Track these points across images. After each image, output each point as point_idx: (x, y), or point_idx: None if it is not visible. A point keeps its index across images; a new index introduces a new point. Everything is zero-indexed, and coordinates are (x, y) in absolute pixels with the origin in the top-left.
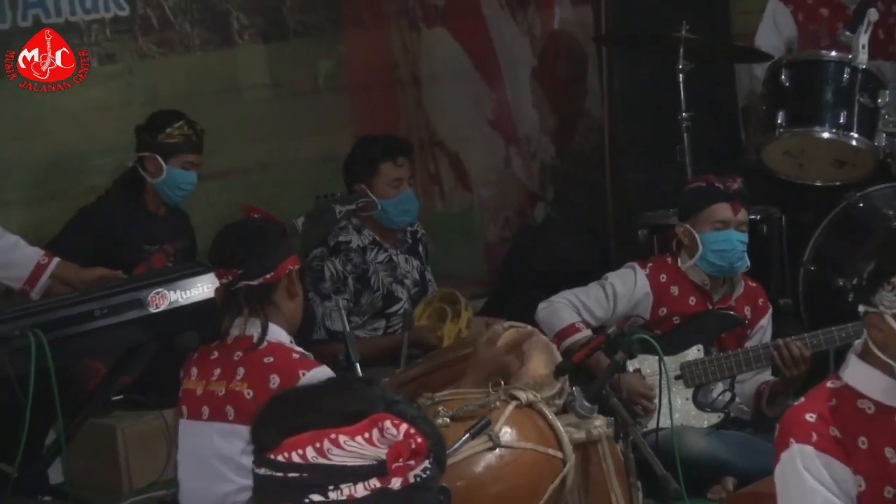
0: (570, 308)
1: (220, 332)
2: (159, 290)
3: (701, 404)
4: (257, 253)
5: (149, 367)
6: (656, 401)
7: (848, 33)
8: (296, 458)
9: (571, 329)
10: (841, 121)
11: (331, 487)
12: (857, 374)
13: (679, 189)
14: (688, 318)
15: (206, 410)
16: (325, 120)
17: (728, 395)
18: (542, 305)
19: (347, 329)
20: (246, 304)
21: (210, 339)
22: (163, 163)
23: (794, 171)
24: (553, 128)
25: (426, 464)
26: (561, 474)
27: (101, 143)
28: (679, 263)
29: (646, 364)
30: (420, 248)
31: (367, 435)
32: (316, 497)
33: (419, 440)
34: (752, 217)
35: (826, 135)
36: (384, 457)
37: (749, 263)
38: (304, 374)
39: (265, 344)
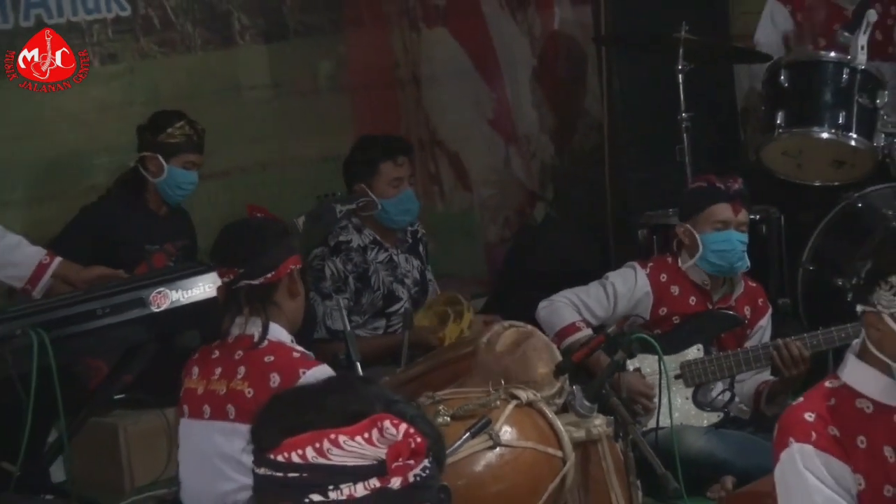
0: (570, 307)
1: (222, 331)
2: (161, 289)
3: (701, 403)
4: (258, 252)
5: (150, 366)
6: (656, 400)
7: (847, 34)
8: (295, 459)
9: (572, 328)
10: (840, 121)
11: (331, 487)
12: (856, 374)
13: (679, 189)
14: (688, 318)
15: (207, 409)
16: (326, 120)
17: (727, 395)
18: (542, 304)
19: (348, 328)
20: (247, 303)
21: (211, 338)
22: (164, 162)
23: (793, 172)
24: (553, 127)
25: (426, 463)
26: (561, 473)
27: (102, 142)
28: (679, 263)
29: (646, 363)
30: (420, 248)
31: (366, 435)
32: (316, 497)
33: (418, 440)
34: (752, 217)
35: (825, 135)
36: (384, 456)
37: (749, 264)
38: (304, 372)
39: (266, 343)
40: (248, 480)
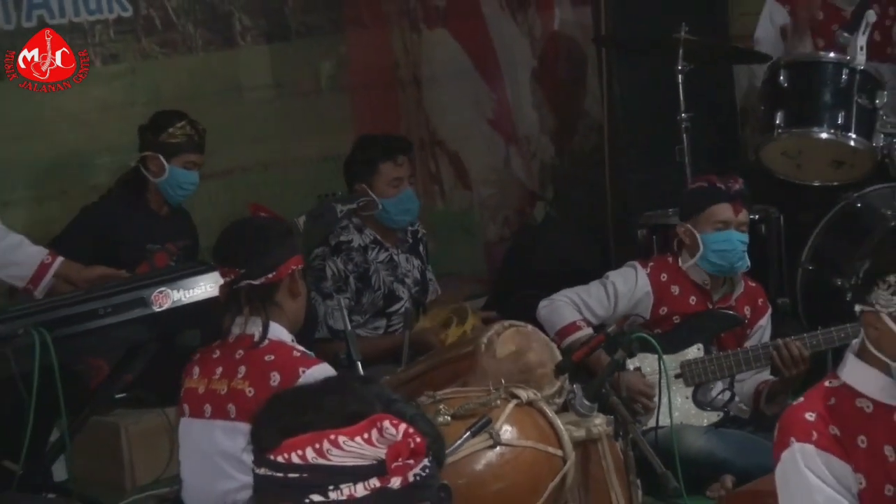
0: (571, 306)
1: (223, 330)
2: (162, 288)
3: (700, 403)
4: (260, 252)
5: (151, 366)
6: (656, 399)
7: (846, 35)
8: (295, 459)
9: (572, 327)
10: (839, 121)
11: (331, 487)
12: (855, 373)
13: (678, 189)
14: (688, 318)
15: (208, 408)
16: (327, 120)
17: (727, 394)
18: (543, 303)
19: (349, 328)
20: (247, 302)
21: (213, 337)
22: (165, 162)
23: (793, 172)
24: (553, 128)
25: (425, 462)
26: (561, 472)
27: (104, 142)
28: (680, 263)
29: (646, 363)
30: (420, 248)
31: (366, 435)
32: (316, 497)
33: (418, 439)
34: (751, 217)
35: (824, 135)
36: (383, 456)
37: (749, 263)
38: (304, 371)
39: (266, 342)
40: (250, 479)
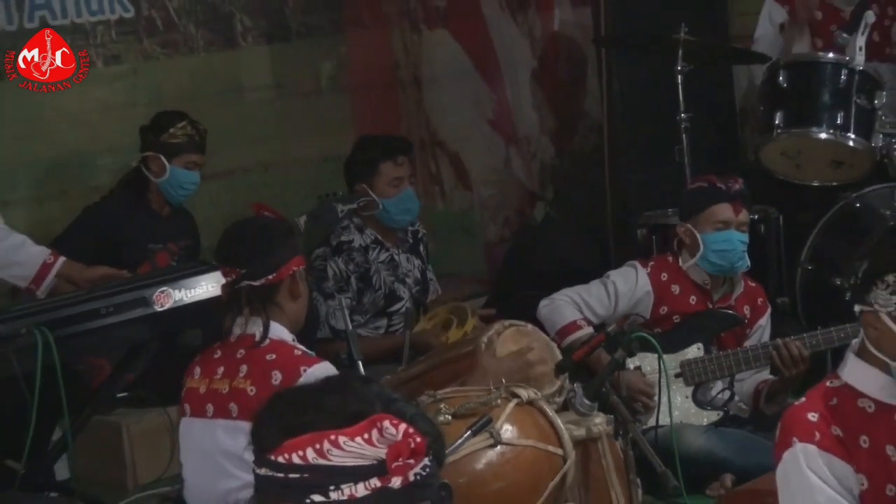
0: (571, 305)
1: (224, 330)
2: (164, 288)
3: (700, 402)
4: (261, 253)
5: (153, 365)
6: (656, 398)
7: (845, 35)
8: (296, 460)
9: (573, 326)
10: (838, 122)
11: (332, 488)
12: (856, 373)
13: (678, 189)
14: (688, 317)
15: (210, 408)
16: (327, 120)
17: (727, 394)
18: (543, 303)
19: (350, 327)
20: (247, 303)
21: (214, 337)
22: (166, 162)
23: (792, 172)
24: (553, 128)
25: (426, 462)
26: (561, 471)
27: (105, 143)
28: (680, 263)
29: (646, 362)
30: (421, 248)
31: (366, 436)
32: (317, 497)
33: (418, 439)
34: (751, 217)
35: (823, 135)
36: (384, 456)
37: (749, 263)
38: (305, 370)
39: (267, 341)
40: (252, 478)
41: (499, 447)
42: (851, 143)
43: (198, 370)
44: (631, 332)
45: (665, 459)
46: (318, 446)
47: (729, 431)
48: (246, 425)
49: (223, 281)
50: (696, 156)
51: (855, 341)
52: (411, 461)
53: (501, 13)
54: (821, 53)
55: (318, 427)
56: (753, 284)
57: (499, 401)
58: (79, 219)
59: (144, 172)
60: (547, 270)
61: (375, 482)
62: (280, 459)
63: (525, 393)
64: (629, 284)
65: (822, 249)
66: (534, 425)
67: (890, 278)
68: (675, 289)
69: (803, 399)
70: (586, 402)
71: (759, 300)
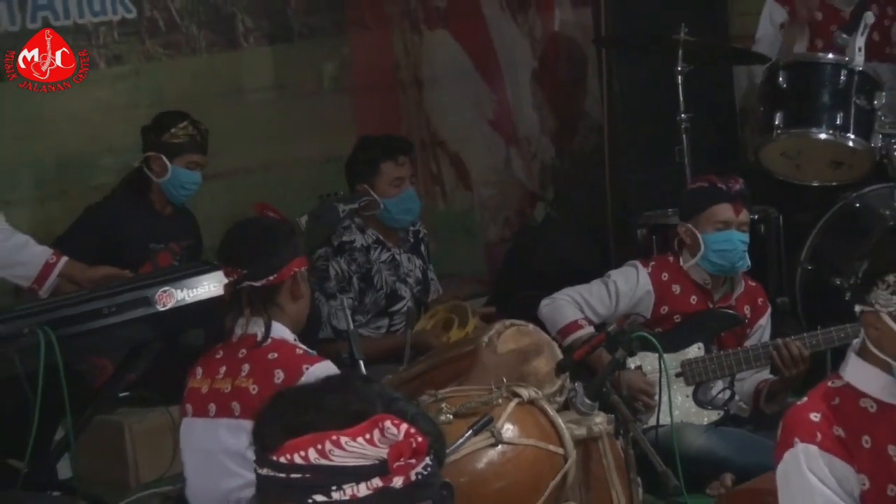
0: (572, 305)
1: (225, 330)
2: (166, 288)
3: (701, 402)
4: (262, 254)
5: (155, 365)
6: (656, 398)
7: (844, 36)
8: (298, 460)
9: (574, 326)
10: (838, 122)
11: (334, 488)
12: (858, 373)
13: (678, 189)
14: (689, 317)
15: (212, 407)
16: (329, 121)
17: (727, 393)
18: (544, 302)
19: (351, 327)
20: (248, 303)
21: (216, 336)
22: (168, 162)
23: (792, 172)
24: (553, 128)
25: (427, 461)
26: (562, 470)
27: (107, 143)
28: (681, 262)
29: (647, 361)
30: (422, 248)
31: (368, 436)
32: (319, 497)
33: (419, 439)
34: (751, 217)
35: (823, 136)
36: (385, 456)
37: (749, 263)
38: (307, 368)
39: (269, 341)
40: (254, 476)
41: (500, 446)
42: (851, 144)
43: (200, 370)
44: (632, 331)
45: (665, 459)
46: (319, 446)
47: (729, 431)
48: (248, 424)
49: (225, 281)
50: (696, 156)
51: (856, 341)
52: (413, 461)
53: (502, 14)
54: (820, 54)
55: (320, 427)
56: (754, 284)
57: (500, 400)
58: (81, 219)
59: (146, 172)
60: (547, 270)
61: (377, 482)
62: (282, 459)
63: (526, 392)
64: (630, 284)
65: (821, 249)
66: (535, 425)
67: (890, 278)
68: (676, 288)
69: (805, 399)
70: (587, 401)
71: (760, 300)
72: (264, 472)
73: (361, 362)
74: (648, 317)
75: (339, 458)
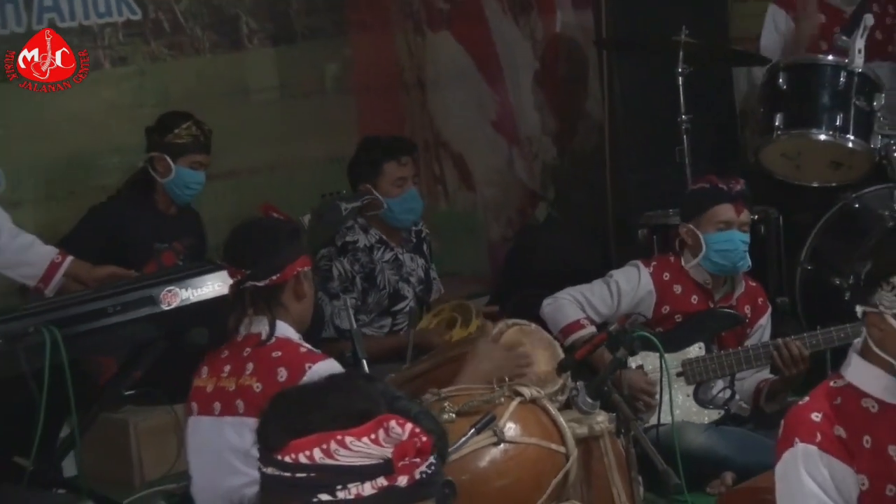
0: (574, 304)
1: (229, 330)
2: (171, 287)
3: (702, 401)
4: (266, 253)
5: (159, 363)
6: (657, 397)
7: (844, 37)
8: (303, 459)
9: (576, 325)
10: (837, 123)
11: (339, 487)
12: (860, 373)
13: (678, 190)
14: (689, 317)
15: (217, 406)
16: (332, 122)
17: (728, 392)
18: (546, 301)
19: (354, 327)
20: (252, 303)
21: (220, 335)
22: (171, 163)
23: (792, 173)
24: (554, 129)
25: (431, 460)
26: (564, 469)
27: (113, 143)
28: (682, 262)
29: (648, 361)
30: (425, 247)
31: (373, 436)
32: (324, 496)
33: (424, 438)
34: (751, 217)
35: (823, 137)
36: (390, 455)
37: (751, 263)
38: (310, 367)
39: (273, 340)
40: (259, 474)
41: (502, 445)
42: (850, 145)
43: (205, 369)
44: (633, 331)
45: (666, 457)
46: (324, 446)
47: (729, 430)
48: (252, 422)
49: (230, 281)
50: (696, 157)
51: (857, 341)
52: (417, 460)
53: (503, 16)
54: (820, 55)
55: (324, 426)
56: (754, 284)
57: (502, 399)
58: (86, 219)
59: (151, 173)
60: (548, 270)
61: (382, 481)
62: (287, 459)
63: (528, 391)
64: (632, 284)
65: (821, 249)
66: (537, 423)
67: (895, 279)
68: (677, 288)
69: (807, 398)
70: (588, 400)
71: (760, 300)
72: (269, 471)
73: (364, 361)
74: (650, 316)
75: (344, 458)
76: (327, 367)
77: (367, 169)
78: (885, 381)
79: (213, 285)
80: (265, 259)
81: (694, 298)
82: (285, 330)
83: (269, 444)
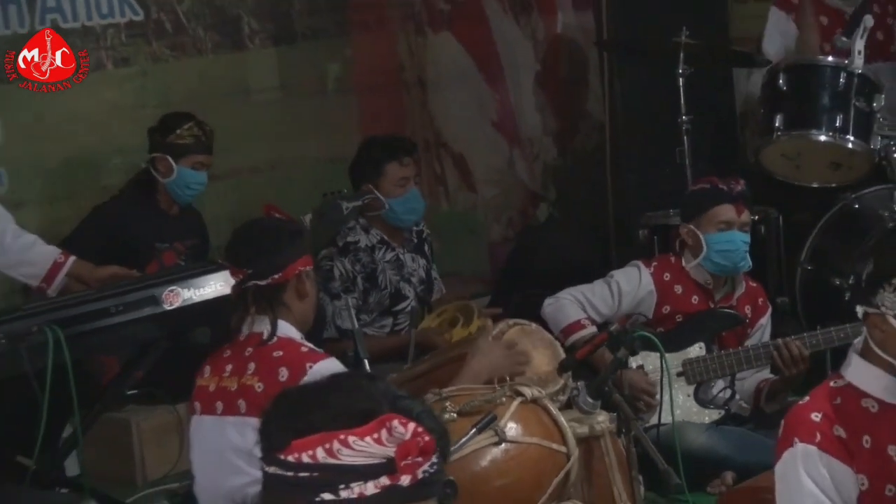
0: (575, 305)
1: (231, 329)
2: (173, 287)
3: (702, 401)
4: (267, 253)
5: (161, 363)
6: (658, 397)
7: (844, 38)
8: (306, 459)
9: (577, 325)
10: (837, 124)
11: (342, 486)
12: (860, 373)
13: (678, 190)
14: (690, 317)
15: (219, 405)
16: (333, 122)
17: (728, 392)
18: (548, 301)
19: (356, 326)
20: (253, 302)
21: (223, 335)
22: (173, 163)
23: (792, 173)
24: (555, 129)
25: (433, 459)
26: (565, 468)
27: (115, 144)
28: (683, 263)
29: (648, 361)
30: (426, 247)
31: (375, 435)
32: (327, 496)
33: (426, 438)
34: (751, 218)
35: (823, 137)
36: (393, 455)
37: (751, 263)
38: (311, 366)
39: (275, 339)
40: (261, 474)
41: (503, 444)
42: (850, 145)
43: (207, 369)
44: (633, 331)
45: (667, 457)
46: (327, 446)
47: (730, 429)
48: (254, 421)
49: (232, 280)
50: (696, 157)
51: (857, 341)
52: (420, 459)
53: (504, 16)
54: (820, 56)
55: (326, 426)
56: (754, 284)
57: (503, 399)
58: (88, 219)
59: (153, 173)
60: (549, 270)
61: (385, 480)
62: (290, 458)
63: (529, 391)
64: (632, 284)
65: (821, 250)
66: (538, 423)
67: None
68: (678, 288)
69: (807, 398)
70: (589, 400)
71: (760, 300)
72: (272, 470)
73: (366, 361)
74: (650, 316)
75: (347, 458)
76: (328, 366)
77: (369, 169)
78: (886, 381)
79: (216, 285)
80: (266, 258)
81: (694, 299)
82: (287, 329)
83: (272, 443)
